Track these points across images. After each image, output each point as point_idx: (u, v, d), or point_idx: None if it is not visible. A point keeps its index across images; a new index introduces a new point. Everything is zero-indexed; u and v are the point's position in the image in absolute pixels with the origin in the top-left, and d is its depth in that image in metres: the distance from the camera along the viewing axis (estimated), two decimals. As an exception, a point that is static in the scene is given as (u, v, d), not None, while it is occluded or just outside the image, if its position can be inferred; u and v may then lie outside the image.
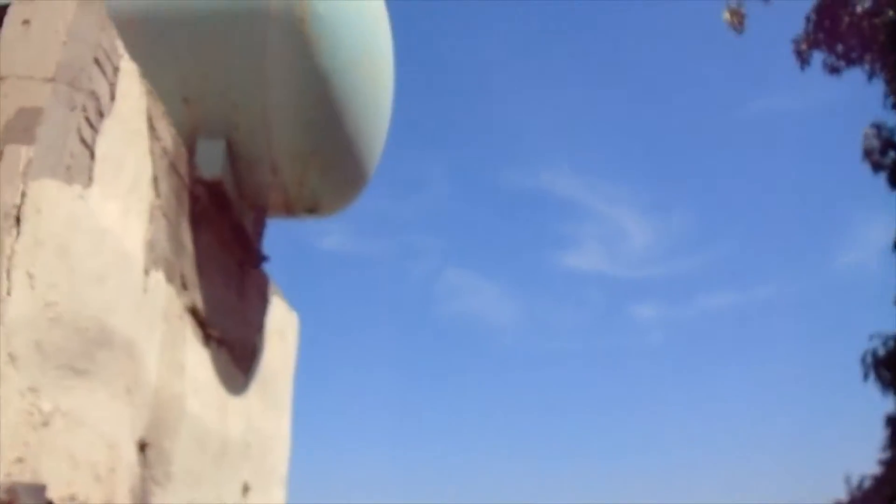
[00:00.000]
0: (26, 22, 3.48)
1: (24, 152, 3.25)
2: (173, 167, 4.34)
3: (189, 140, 4.74)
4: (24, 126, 3.30)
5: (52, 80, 3.36)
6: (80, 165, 3.46)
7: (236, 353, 5.16)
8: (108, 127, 3.69)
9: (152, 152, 4.10)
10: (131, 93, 3.87)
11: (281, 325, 6.02)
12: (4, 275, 3.10)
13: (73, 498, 3.35)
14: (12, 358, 3.08)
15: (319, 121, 4.70)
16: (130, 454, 3.85)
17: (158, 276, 4.11)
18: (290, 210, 5.13)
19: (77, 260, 3.41)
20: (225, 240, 4.94)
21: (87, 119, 3.53)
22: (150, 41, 4.65)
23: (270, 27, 4.55)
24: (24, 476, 3.01)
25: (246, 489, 5.35)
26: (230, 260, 5.02)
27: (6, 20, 3.51)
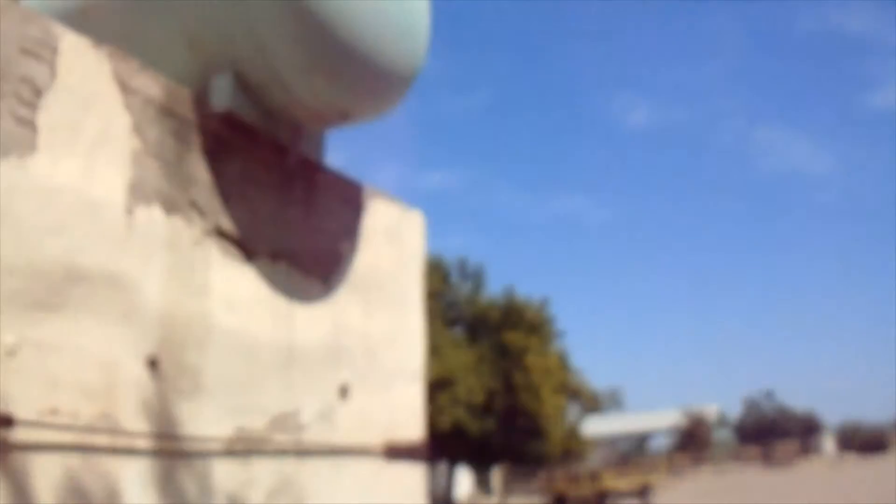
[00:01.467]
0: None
1: (-47, 141, 4.35)
2: (166, 111, 5.34)
3: (202, 79, 5.70)
4: (-47, 118, 4.41)
5: (-28, 79, 4.42)
6: (17, 141, 4.53)
7: (305, 263, 6.11)
8: (53, 101, 4.72)
9: (128, 106, 5.11)
10: (80, 64, 4.88)
11: (390, 225, 6.88)
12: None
13: (54, 411, 4.48)
14: (-39, 307, 4.23)
15: (311, 37, 5.49)
16: (136, 371, 4.94)
17: (152, 212, 5.14)
18: (322, 118, 5.98)
19: (23, 218, 4.49)
20: (264, 160, 5.88)
21: (23, 101, 4.58)
22: (149, 7, 5.64)
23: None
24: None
25: (344, 390, 6.32)
26: (275, 178, 5.94)
27: None
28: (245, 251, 5.75)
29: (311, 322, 6.14)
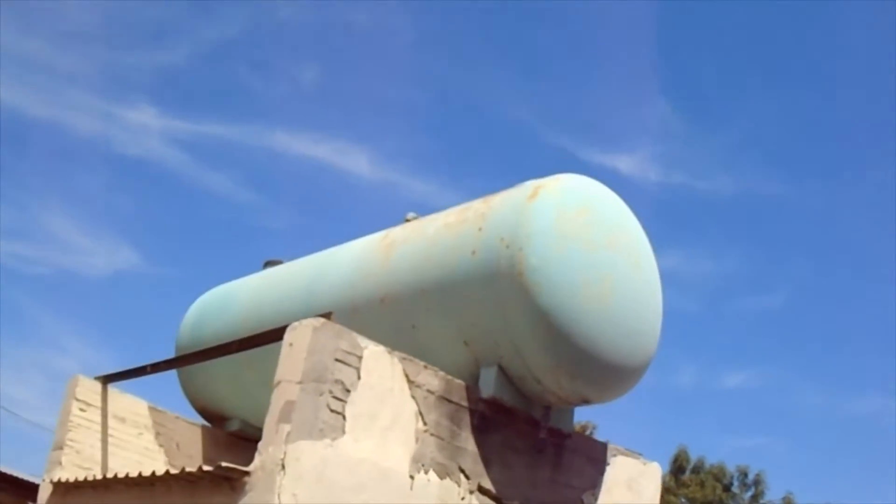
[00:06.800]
0: (291, 344, 5.74)
1: (284, 428, 5.47)
2: (443, 399, 6.40)
3: (474, 370, 6.66)
4: (286, 412, 5.55)
5: (300, 382, 5.55)
6: (331, 427, 5.68)
7: (551, 512, 6.86)
8: (358, 396, 5.85)
9: (413, 397, 6.15)
10: (378, 367, 6.01)
11: (631, 476, 7.56)
12: (276, 497, 5.37)
13: None
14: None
15: (553, 343, 6.44)
16: None
17: (429, 477, 6.14)
18: (568, 402, 6.83)
19: (332, 482, 5.60)
20: (520, 432, 6.78)
21: (335, 397, 5.72)
22: (436, 311, 6.71)
23: (502, 282, 6.48)
24: None
25: None
26: (529, 445, 6.77)
27: (284, 341, 5.81)
28: (500, 504, 6.53)
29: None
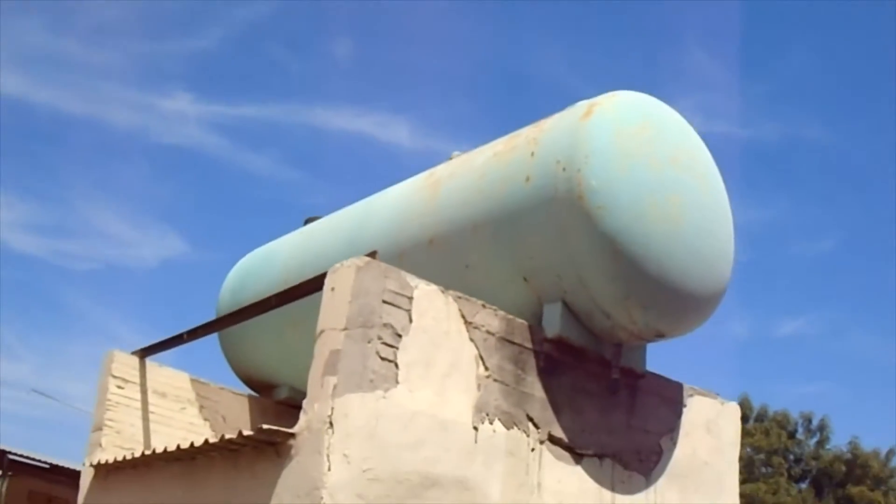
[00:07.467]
0: (333, 289, 5.12)
1: (330, 381, 4.86)
2: (505, 340, 5.74)
3: (536, 308, 6.01)
4: (331, 363, 4.93)
5: (345, 328, 4.92)
6: (382, 377, 5.06)
7: (628, 459, 6.22)
8: (410, 341, 5.22)
9: (472, 339, 5.50)
10: (432, 308, 5.38)
11: (709, 419, 6.87)
12: (325, 459, 4.75)
13: None
14: (339, 507, 4.71)
15: (621, 271, 5.77)
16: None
17: (494, 427, 5.50)
18: (641, 338, 6.15)
19: (386, 438, 4.97)
20: (590, 373, 6.12)
21: (385, 343, 5.09)
22: (490, 248, 6.06)
23: (560, 209, 5.81)
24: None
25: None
26: (601, 387, 6.12)
27: (325, 287, 5.19)
28: (574, 453, 6.02)
29: (632, 509, 6.16)
